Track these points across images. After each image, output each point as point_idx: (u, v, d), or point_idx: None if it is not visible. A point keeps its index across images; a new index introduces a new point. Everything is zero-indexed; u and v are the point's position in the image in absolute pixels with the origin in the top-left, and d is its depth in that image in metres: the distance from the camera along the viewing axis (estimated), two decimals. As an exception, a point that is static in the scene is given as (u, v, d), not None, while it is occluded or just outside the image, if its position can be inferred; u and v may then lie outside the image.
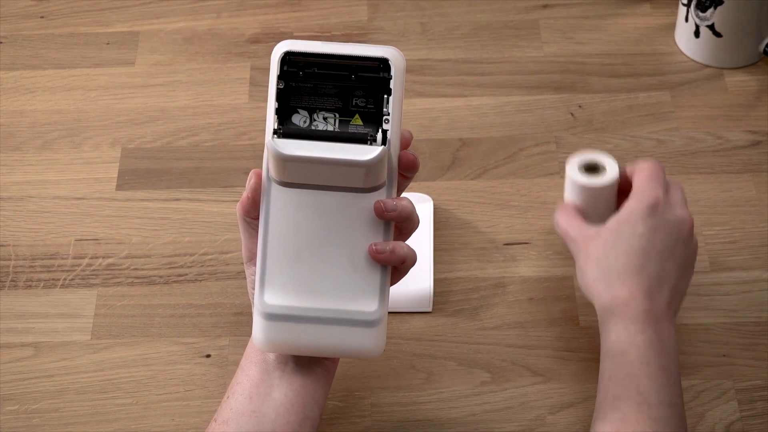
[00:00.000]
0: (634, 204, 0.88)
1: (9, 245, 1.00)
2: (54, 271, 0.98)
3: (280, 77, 0.77)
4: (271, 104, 0.77)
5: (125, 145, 1.07)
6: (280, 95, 0.77)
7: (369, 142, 0.76)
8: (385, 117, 0.77)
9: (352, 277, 0.78)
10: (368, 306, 0.78)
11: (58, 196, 1.03)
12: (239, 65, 1.14)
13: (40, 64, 1.14)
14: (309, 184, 0.77)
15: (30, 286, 0.97)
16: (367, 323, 0.78)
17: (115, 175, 1.05)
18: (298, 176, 0.76)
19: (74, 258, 0.99)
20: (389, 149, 0.76)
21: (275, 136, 0.76)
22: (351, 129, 0.77)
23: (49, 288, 0.97)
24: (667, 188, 0.89)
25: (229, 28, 1.17)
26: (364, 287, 0.78)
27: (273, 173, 0.77)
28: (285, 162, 0.75)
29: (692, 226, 0.88)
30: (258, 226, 0.79)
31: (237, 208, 0.80)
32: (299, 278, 0.78)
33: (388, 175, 0.78)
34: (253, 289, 0.80)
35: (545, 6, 1.18)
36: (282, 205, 0.78)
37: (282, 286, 0.78)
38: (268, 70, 1.12)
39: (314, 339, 0.78)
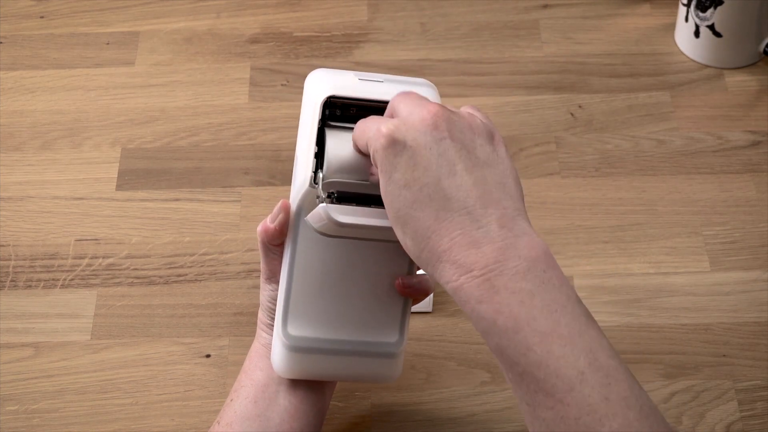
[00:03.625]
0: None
1: (9, 245, 1.00)
2: (54, 271, 0.98)
3: (321, 119, 0.75)
4: (311, 146, 0.75)
5: (125, 145, 1.07)
6: (320, 136, 0.76)
7: None
8: None
9: (374, 308, 0.79)
10: (390, 337, 0.79)
11: (58, 196, 1.03)
12: (239, 65, 1.14)
13: (40, 64, 1.15)
14: (348, 237, 0.76)
15: (30, 286, 0.97)
16: (389, 354, 0.79)
17: (115, 175, 1.05)
18: (340, 233, 0.75)
19: (74, 258, 0.99)
20: None
21: (329, 200, 0.74)
22: None
23: (49, 288, 0.97)
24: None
25: (229, 28, 1.17)
26: (386, 318, 0.79)
27: (314, 225, 0.75)
28: (335, 226, 0.73)
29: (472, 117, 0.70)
30: (279, 251, 0.79)
31: (258, 233, 0.78)
32: (322, 309, 0.78)
33: None
34: (269, 302, 0.80)
35: (545, 6, 1.18)
36: (309, 240, 0.77)
37: (305, 318, 0.78)
38: (268, 70, 1.13)
39: (336, 368, 0.79)
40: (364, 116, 0.74)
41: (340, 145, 0.75)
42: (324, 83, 0.76)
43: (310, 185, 0.75)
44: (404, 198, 0.66)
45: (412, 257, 0.68)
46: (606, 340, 0.65)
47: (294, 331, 0.78)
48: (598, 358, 0.63)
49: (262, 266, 0.80)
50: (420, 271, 0.80)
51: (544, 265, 0.65)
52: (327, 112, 0.76)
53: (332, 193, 0.74)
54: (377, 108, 0.75)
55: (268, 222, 0.77)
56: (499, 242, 0.65)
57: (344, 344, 0.78)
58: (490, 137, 0.68)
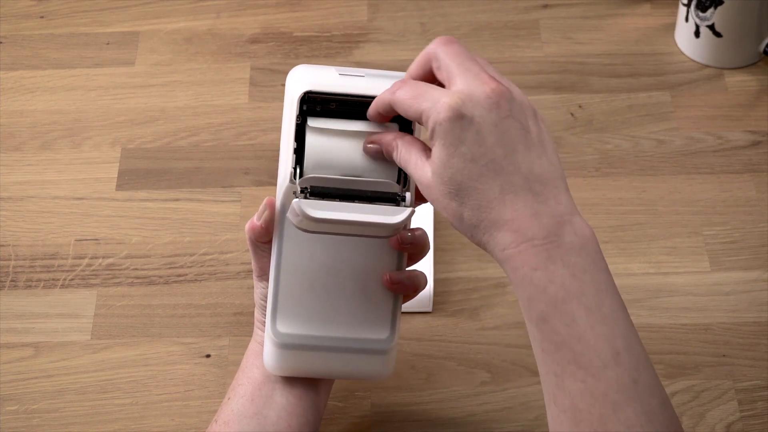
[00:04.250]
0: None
1: (9, 245, 1.00)
2: (54, 271, 0.98)
3: (299, 115, 0.76)
4: (290, 142, 0.76)
5: (125, 145, 1.07)
6: (299, 133, 0.76)
7: (398, 203, 0.75)
8: None
9: (364, 305, 0.78)
10: (380, 334, 0.78)
11: (58, 196, 1.03)
12: (239, 65, 1.14)
13: (40, 64, 1.14)
14: (329, 233, 0.76)
15: (30, 286, 0.97)
16: (379, 351, 0.78)
17: (115, 175, 1.05)
18: (320, 228, 0.75)
19: (74, 258, 0.99)
20: (412, 199, 0.76)
21: (303, 195, 0.74)
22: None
23: (49, 288, 0.97)
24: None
25: (229, 28, 1.17)
26: (377, 315, 0.79)
27: (293, 221, 0.75)
28: (311, 222, 0.74)
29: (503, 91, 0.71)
30: (268, 248, 0.79)
31: (246, 230, 0.79)
32: (312, 306, 0.78)
33: None
34: (261, 300, 0.80)
35: (545, 6, 1.18)
36: (296, 236, 0.77)
37: (294, 315, 0.78)
38: (268, 70, 1.13)
39: (326, 365, 0.79)
40: (345, 112, 0.75)
41: (320, 140, 0.75)
42: (303, 79, 0.76)
43: (290, 181, 0.75)
44: (470, 171, 0.68)
45: (462, 228, 0.70)
46: (636, 331, 0.68)
47: (283, 328, 0.78)
48: (632, 344, 0.67)
49: (253, 264, 0.80)
50: (410, 267, 0.80)
51: (595, 246, 0.68)
52: (305, 107, 0.76)
53: (305, 188, 0.74)
54: (357, 103, 0.75)
55: (255, 219, 0.78)
56: (557, 217, 0.68)
57: (334, 341, 0.78)
58: (535, 115, 0.71)
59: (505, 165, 0.69)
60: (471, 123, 0.68)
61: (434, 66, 0.72)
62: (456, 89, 0.69)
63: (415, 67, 0.74)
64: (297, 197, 0.74)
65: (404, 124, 0.76)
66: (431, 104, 0.69)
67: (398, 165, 0.74)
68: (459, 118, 0.68)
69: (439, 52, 0.72)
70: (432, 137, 0.69)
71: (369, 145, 0.75)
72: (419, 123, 0.71)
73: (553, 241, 0.67)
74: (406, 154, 0.73)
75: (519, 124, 0.69)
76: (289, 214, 0.75)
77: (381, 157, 0.75)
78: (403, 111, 0.71)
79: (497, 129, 0.69)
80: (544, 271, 0.67)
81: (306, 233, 0.76)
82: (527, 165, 0.69)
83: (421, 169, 0.71)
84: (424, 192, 0.71)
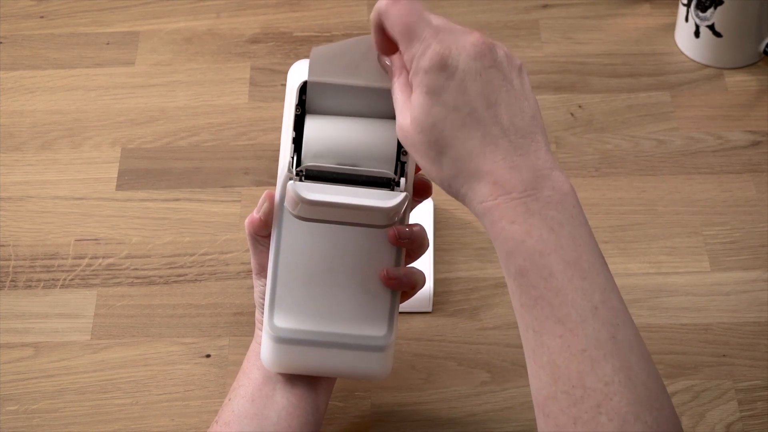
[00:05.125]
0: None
1: (9, 245, 1.00)
2: (54, 271, 0.98)
3: (298, 105, 0.76)
4: (288, 132, 0.76)
5: (125, 145, 1.07)
6: (298, 123, 0.76)
7: (392, 187, 0.76)
8: (403, 149, 0.76)
9: (362, 301, 0.78)
10: (377, 331, 0.78)
11: (58, 196, 1.03)
12: (239, 65, 1.14)
13: (40, 64, 1.15)
14: (325, 220, 0.76)
15: (30, 286, 0.97)
16: (376, 348, 0.78)
17: (115, 175, 1.05)
18: (316, 215, 0.75)
19: (74, 258, 0.99)
20: (407, 185, 0.76)
21: (297, 178, 0.75)
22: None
23: (49, 288, 0.97)
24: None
25: (229, 28, 1.17)
26: (374, 312, 0.78)
27: (289, 208, 0.76)
28: (305, 205, 0.74)
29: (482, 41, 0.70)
30: (267, 243, 0.79)
31: (246, 225, 0.79)
32: (309, 301, 0.78)
33: None
34: (261, 298, 0.80)
35: (545, 6, 1.18)
36: (294, 229, 0.77)
37: (292, 309, 0.78)
38: (268, 70, 1.13)
39: (323, 362, 0.78)
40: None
41: (319, 130, 0.75)
42: (303, 71, 0.76)
43: (288, 170, 0.75)
44: (452, 120, 0.68)
45: (438, 180, 0.69)
46: (616, 286, 0.67)
47: (280, 322, 0.78)
48: (611, 299, 0.66)
49: (252, 261, 0.81)
50: (409, 265, 0.80)
51: (574, 201, 0.68)
52: (304, 97, 0.76)
53: (300, 171, 0.75)
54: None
55: (254, 213, 0.78)
56: (536, 171, 0.67)
57: (331, 336, 0.78)
58: (520, 69, 0.71)
59: (487, 116, 0.68)
60: (456, 71, 0.68)
61: (387, 25, 0.71)
62: (441, 38, 0.68)
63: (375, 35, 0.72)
64: (293, 180, 0.74)
65: None
66: (419, 47, 0.68)
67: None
68: (444, 66, 0.68)
69: (392, 11, 0.70)
70: (413, 81, 0.69)
71: (385, 62, 0.74)
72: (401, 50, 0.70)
73: (531, 194, 0.67)
74: (398, 89, 0.71)
75: (502, 75, 0.69)
76: (286, 203, 0.75)
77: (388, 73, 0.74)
78: (393, 32, 0.70)
79: (481, 78, 0.68)
80: (521, 224, 0.66)
81: (308, 227, 0.76)
82: (509, 117, 0.68)
83: (405, 111, 0.70)
84: (402, 136, 0.70)
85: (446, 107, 0.68)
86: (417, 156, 0.69)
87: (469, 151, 0.68)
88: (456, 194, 0.69)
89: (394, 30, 0.69)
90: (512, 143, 0.68)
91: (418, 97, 0.68)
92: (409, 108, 0.69)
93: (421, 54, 0.68)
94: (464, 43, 0.68)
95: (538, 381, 0.66)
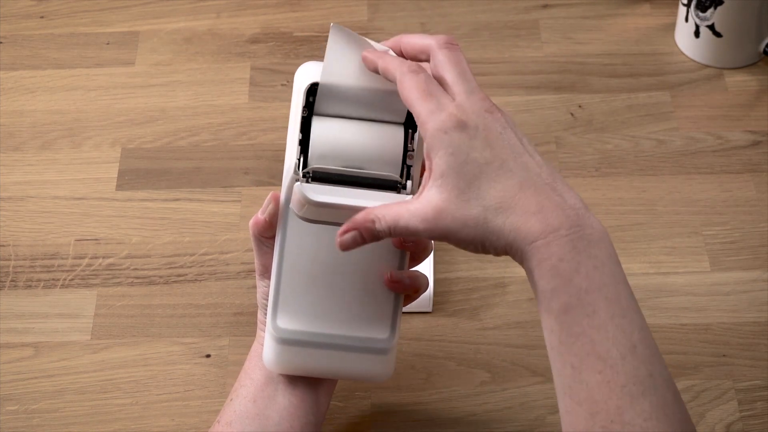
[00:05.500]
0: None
1: (9, 245, 1.00)
2: (54, 271, 0.98)
3: (305, 107, 0.76)
4: (294, 134, 0.76)
5: (125, 145, 1.07)
6: (305, 125, 0.76)
7: (398, 190, 0.76)
8: (409, 152, 0.77)
9: (365, 303, 0.78)
10: (380, 333, 0.78)
11: (58, 196, 1.03)
12: (239, 65, 1.14)
13: (40, 64, 1.15)
14: (331, 222, 0.76)
15: (30, 286, 0.97)
16: (379, 350, 0.78)
17: (115, 175, 1.05)
18: (322, 216, 0.75)
19: (74, 258, 0.99)
20: (413, 188, 0.76)
21: (304, 179, 0.75)
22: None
23: (49, 288, 0.97)
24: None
25: (229, 28, 1.17)
26: (377, 314, 0.78)
27: (295, 209, 0.75)
28: (311, 206, 0.74)
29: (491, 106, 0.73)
30: (272, 245, 0.79)
31: (250, 226, 0.79)
32: (313, 303, 0.78)
33: None
34: (264, 300, 0.80)
35: (545, 6, 1.18)
36: (299, 231, 0.77)
37: (295, 311, 0.78)
38: (268, 70, 1.13)
39: (325, 364, 0.78)
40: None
41: (326, 131, 0.75)
42: (310, 72, 0.76)
43: (294, 172, 0.75)
44: (487, 173, 0.69)
45: (485, 237, 0.69)
46: (647, 324, 0.69)
47: (283, 323, 0.78)
48: (647, 337, 0.67)
49: (255, 262, 0.81)
50: (413, 268, 0.80)
51: (610, 239, 0.69)
52: (312, 99, 0.76)
53: (307, 173, 0.75)
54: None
55: (259, 214, 0.78)
56: (576, 210, 0.69)
57: (334, 338, 0.78)
58: (524, 135, 0.73)
59: (516, 167, 0.69)
60: (477, 130, 0.69)
61: (432, 63, 0.73)
62: (458, 102, 0.70)
63: (410, 49, 0.74)
64: (299, 182, 0.74)
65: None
66: (432, 113, 0.70)
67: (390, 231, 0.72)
68: (464, 126, 0.69)
69: (441, 54, 0.72)
70: (432, 146, 0.69)
71: (342, 238, 0.72)
72: (414, 114, 0.71)
73: (576, 232, 0.68)
74: (393, 215, 0.71)
75: (516, 137, 0.71)
76: (291, 204, 0.75)
77: (395, 96, 0.74)
78: (405, 95, 0.71)
79: (501, 137, 0.70)
80: (570, 262, 0.67)
81: (312, 229, 0.76)
82: (535, 167, 0.70)
83: (418, 206, 0.70)
84: (434, 225, 0.69)
85: (477, 163, 0.69)
86: (460, 229, 0.69)
87: (512, 197, 0.69)
88: (504, 246, 0.69)
89: (409, 97, 0.71)
90: (549, 185, 0.69)
91: (443, 160, 0.69)
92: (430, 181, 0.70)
93: (435, 117, 0.70)
94: (479, 107, 0.71)
95: (575, 417, 0.67)
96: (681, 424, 0.66)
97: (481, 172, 0.69)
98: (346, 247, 0.72)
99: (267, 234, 0.78)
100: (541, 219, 0.68)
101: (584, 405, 0.66)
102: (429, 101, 0.70)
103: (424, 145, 0.71)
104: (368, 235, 0.71)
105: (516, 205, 0.68)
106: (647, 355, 0.67)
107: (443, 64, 0.72)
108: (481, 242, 0.69)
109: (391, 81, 0.73)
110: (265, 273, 0.80)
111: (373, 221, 0.71)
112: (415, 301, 0.90)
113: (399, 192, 0.75)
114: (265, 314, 0.81)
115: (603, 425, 0.65)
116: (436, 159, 0.69)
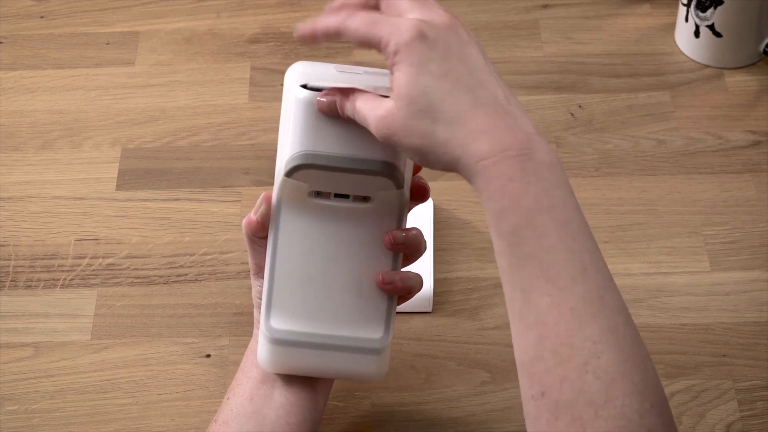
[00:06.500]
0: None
1: (9, 245, 1.00)
2: (54, 271, 0.98)
3: None
4: (285, 134, 0.76)
5: (125, 145, 1.07)
6: None
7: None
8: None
9: (358, 304, 0.78)
10: (374, 333, 0.78)
11: (58, 196, 1.03)
12: (239, 65, 1.14)
13: (40, 64, 1.15)
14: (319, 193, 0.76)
15: (30, 286, 0.97)
16: (372, 350, 0.78)
17: (115, 175, 1.05)
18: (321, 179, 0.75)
19: (74, 258, 0.99)
20: (404, 187, 0.76)
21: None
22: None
23: (49, 288, 0.97)
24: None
25: (229, 28, 1.17)
26: (371, 315, 0.78)
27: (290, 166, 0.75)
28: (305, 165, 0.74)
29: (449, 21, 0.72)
30: (265, 244, 0.79)
31: (243, 226, 0.79)
32: (306, 303, 0.78)
33: (399, 204, 0.77)
34: (259, 298, 0.80)
35: (545, 6, 1.18)
36: (291, 230, 0.78)
37: (288, 311, 0.78)
38: (268, 70, 1.13)
39: (319, 363, 0.78)
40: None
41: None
42: (300, 73, 0.76)
43: (285, 174, 0.75)
44: (441, 86, 0.68)
45: (430, 149, 0.68)
46: (600, 251, 0.68)
47: (276, 324, 0.78)
48: (599, 261, 0.66)
49: (250, 261, 0.81)
50: (405, 268, 0.80)
51: (561, 167, 0.68)
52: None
53: (304, 85, 0.74)
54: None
55: (252, 214, 0.78)
56: (528, 133, 0.68)
57: (327, 338, 0.78)
58: (485, 51, 0.72)
59: (473, 83, 0.69)
60: (436, 43, 0.69)
61: (382, 3, 0.72)
62: (414, 16, 0.70)
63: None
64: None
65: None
66: (392, 29, 0.69)
67: (352, 115, 0.72)
68: (424, 38, 0.69)
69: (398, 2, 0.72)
70: (394, 60, 0.69)
71: (321, 99, 0.74)
72: (376, 49, 0.70)
73: (526, 154, 0.67)
74: (361, 100, 0.72)
75: (478, 54, 0.70)
76: (275, 188, 0.75)
77: (335, 112, 0.74)
78: (356, 38, 0.70)
79: (461, 51, 0.69)
80: (519, 182, 0.66)
81: (304, 229, 0.76)
82: (491, 82, 0.69)
83: (379, 104, 0.70)
84: (383, 126, 0.69)
85: (433, 75, 0.68)
86: (405, 134, 0.69)
87: (463, 113, 0.68)
88: (450, 161, 0.69)
89: (358, 32, 0.70)
90: (502, 107, 0.68)
91: (402, 73, 0.68)
92: (385, 99, 0.70)
93: (397, 31, 0.69)
94: (439, 21, 0.70)
95: (525, 342, 0.66)
96: (631, 348, 0.64)
97: (436, 84, 0.68)
98: (321, 107, 0.73)
99: (259, 234, 0.79)
100: (491, 138, 0.67)
101: (534, 329, 0.65)
102: (384, 24, 0.69)
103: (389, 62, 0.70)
104: (341, 108, 0.73)
105: (466, 121, 0.68)
106: (598, 279, 0.65)
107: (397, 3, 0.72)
108: (426, 153, 0.69)
109: (330, 39, 0.72)
110: (259, 272, 0.80)
111: (350, 99, 0.72)
112: (415, 301, 0.90)
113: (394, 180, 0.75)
114: (259, 311, 0.81)
115: (552, 348, 0.64)
116: (396, 69, 0.69)
